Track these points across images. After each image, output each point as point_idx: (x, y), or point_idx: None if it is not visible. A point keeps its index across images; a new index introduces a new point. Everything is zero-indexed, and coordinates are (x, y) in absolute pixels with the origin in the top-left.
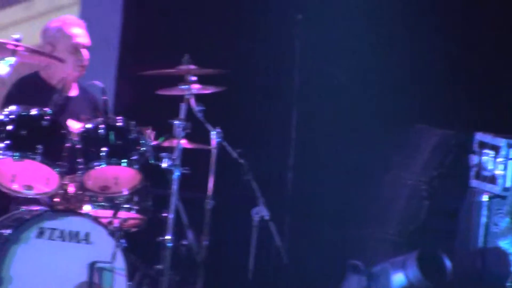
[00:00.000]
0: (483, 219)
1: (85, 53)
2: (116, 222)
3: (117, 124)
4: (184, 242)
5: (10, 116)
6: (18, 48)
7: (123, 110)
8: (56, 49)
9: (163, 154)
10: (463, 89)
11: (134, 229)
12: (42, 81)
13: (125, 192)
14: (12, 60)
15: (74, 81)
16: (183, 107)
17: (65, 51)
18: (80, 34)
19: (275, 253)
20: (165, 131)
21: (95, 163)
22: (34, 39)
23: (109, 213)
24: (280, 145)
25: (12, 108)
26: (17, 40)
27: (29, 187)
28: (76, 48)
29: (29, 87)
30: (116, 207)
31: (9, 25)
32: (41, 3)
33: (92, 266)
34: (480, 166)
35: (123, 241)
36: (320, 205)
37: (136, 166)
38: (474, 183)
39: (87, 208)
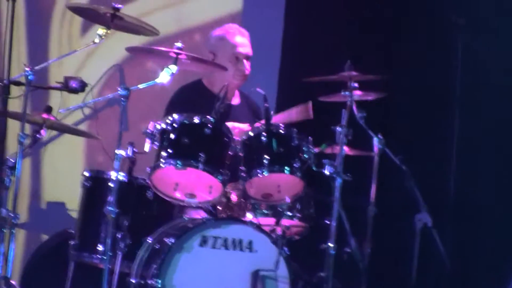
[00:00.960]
0: None
1: (246, 63)
2: (279, 230)
3: (279, 131)
4: (347, 249)
5: (173, 125)
6: (180, 57)
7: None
8: (218, 57)
9: (325, 161)
10: None
11: (296, 237)
12: (205, 89)
13: (288, 200)
14: (173, 68)
15: (235, 89)
16: (344, 114)
17: (226, 60)
18: (242, 43)
19: (438, 259)
20: (326, 137)
21: (258, 171)
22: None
23: (271, 220)
24: (442, 150)
25: (175, 116)
26: (179, 48)
27: (192, 195)
28: (237, 58)
29: (191, 95)
30: (278, 215)
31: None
32: None
33: (255, 274)
34: None
35: (286, 249)
36: (482, 211)
37: (299, 173)
38: None
39: (249, 216)
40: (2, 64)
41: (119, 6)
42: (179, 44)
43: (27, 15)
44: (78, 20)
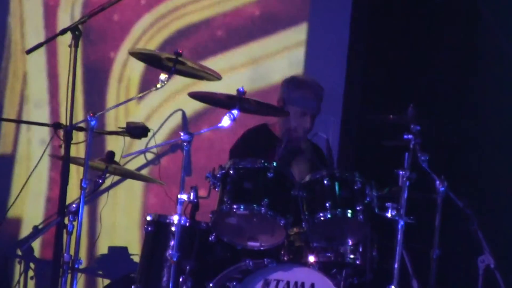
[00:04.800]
0: None
1: (309, 120)
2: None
3: (342, 174)
4: None
5: (235, 169)
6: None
7: (347, 161)
8: (286, 106)
9: (388, 204)
10: None
11: (359, 279)
12: (270, 133)
13: (350, 243)
14: (235, 112)
15: (299, 136)
16: (407, 157)
17: (292, 111)
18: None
19: None
20: (389, 181)
21: (320, 214)
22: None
23: (334, 263)
24: (505, 193)
25: (236, 160)
26: (241, 93)
27: (255, 239)
28: (304, 113)
29: (255, 139)
30: (341, 258)
31: (232, 69)
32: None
33: None
34: None
35: None
36: None
37: (361, 217)
38: None
39: (311, 259)
40: (57, 110)
41: (181, 51)
42: (241, 89)
43: (85, 63)
44: (138, 71)
